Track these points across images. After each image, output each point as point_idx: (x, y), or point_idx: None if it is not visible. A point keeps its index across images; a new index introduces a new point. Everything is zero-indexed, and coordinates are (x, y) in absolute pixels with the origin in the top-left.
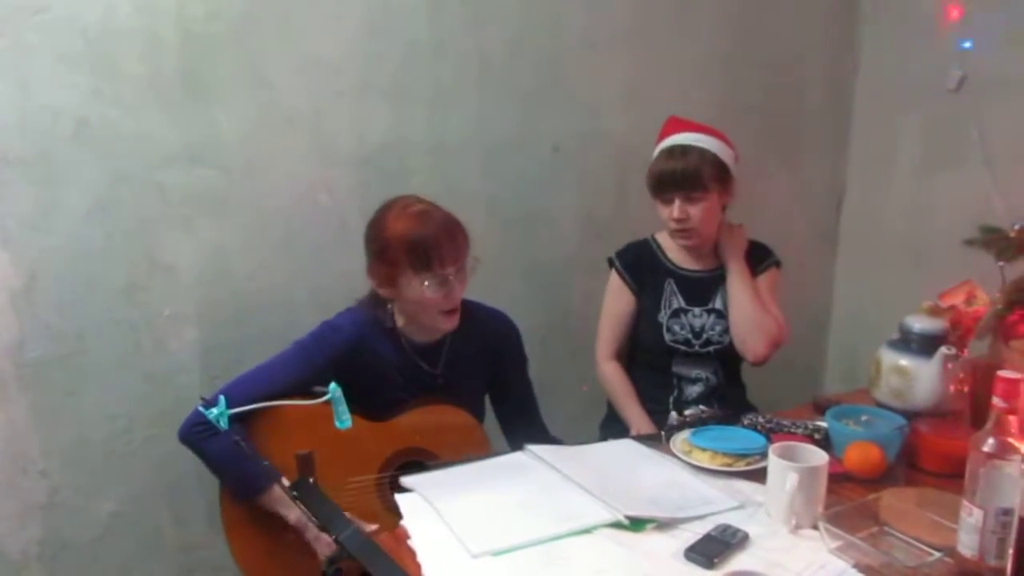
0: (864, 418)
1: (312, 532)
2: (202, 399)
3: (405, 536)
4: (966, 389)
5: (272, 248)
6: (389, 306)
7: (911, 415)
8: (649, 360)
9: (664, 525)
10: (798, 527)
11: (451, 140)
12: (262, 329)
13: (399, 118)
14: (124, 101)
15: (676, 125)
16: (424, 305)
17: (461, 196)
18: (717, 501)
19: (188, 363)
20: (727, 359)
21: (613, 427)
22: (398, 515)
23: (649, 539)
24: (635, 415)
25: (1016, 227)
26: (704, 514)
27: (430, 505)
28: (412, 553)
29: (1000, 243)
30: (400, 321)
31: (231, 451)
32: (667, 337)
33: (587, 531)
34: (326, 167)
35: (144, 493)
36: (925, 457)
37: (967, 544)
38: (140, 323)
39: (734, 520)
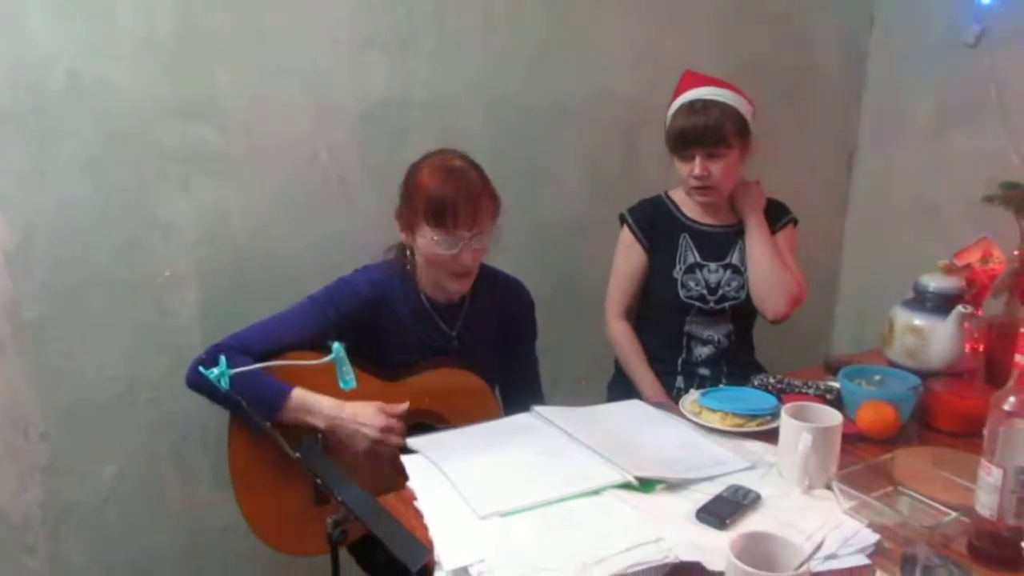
0: (877, 378)
1: (345, 429)
2: (215, 346)
3: (411, 498)
4: (981, 348)
5: (272, 206)
6: (408, 253)
7: (925, 375)
8: (660, 318)
9: (674, 486)
10: (811, 487)
11: (453, 96)
12: (263, 289)
13: (400, 73)
14: (119, 55)
15: (693, 79)
16: (432, 260)
17: (462, 149)
18: (728, 462)
19: (189, 323)
20: (741, 316)
21: (621, 388)
22: (405, 476)
23: (659, 500)
24: (643, 376)
25: None
26: (715, 475)
27: (436, 467)
28: (419, 514)
29: (1020, 199)
30: (420, 275)
31: (243, 377)
32: (682, 293)
33: (596, 492)
34: (326, 123)
35: (147, 454)
36: (939, 416)
37: (985, 504)
38: (139, 283)
39: (746, 481)
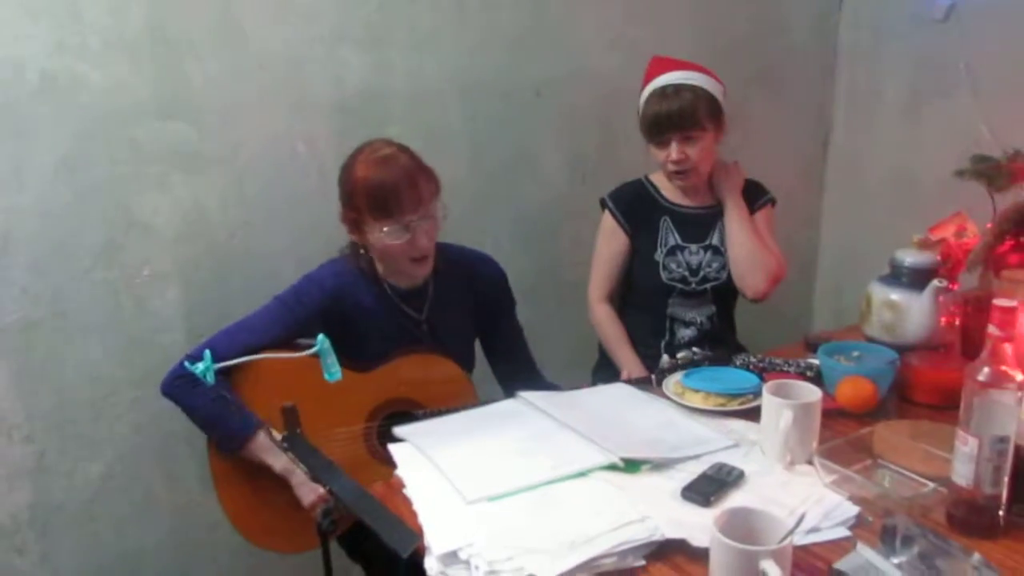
0: (855, 354)
1: (297, 479)
2: (187, 355)
3: (399, 485)
4: (957, 321)
5: (250, 202)
6: (362, 251)
7: (902, 349)
8: (643, 302)
9: (659, 466)
10: (793, 463)
11: (430, 86)
12: (245, 285)
13: (376, 65)
14: (90, 53)
15: (662, 65)
16: (388, 252)
17: (443, 143)
18: (711, 441)
19: (171, 322)
20: (723, 297)
21: (605, 372)
22: (386, 465)
23: (645, 480)
24: (627, 358)
25: (1009, 154)
26: (699, 454)
27: (423, 454)
28: (407, 502)
29: (991, 172)
30: (379, 266)
31: (214, 402)
32: (663, 275)
33: (582, 475)
34: (303, 117)
35: (133, 454)
36: (917, 389)
37: (962, 473)
38: (119, 283)
39: (729, 459)
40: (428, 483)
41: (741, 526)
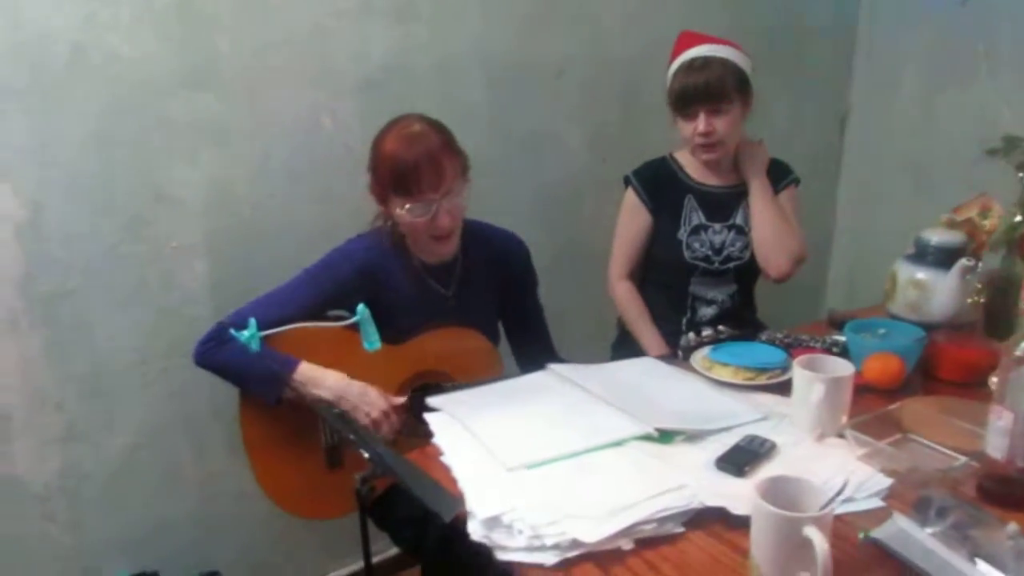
0: (881, 331)
1: (349, 402)
2: (219, 323)
3: (436, 453)
4: (981, 300)
5: (276, 175)
6: (388, 223)
7: (927, 327)
8: (664, 280)
9: (692, 437)
10: (823, 436)
11: (454, 61)
12: (271, 259)
13: (401, 39)
14: (120, 26)
15: (691, 39)
16: (410, 229)
17: (465, 118)
18: (742, 413)
19: (198, 295)
20: (745, 277)
21: (625, 349)
22: (415, 438)
23: (679, 450)
24: (649, 336)
25: None
26: (730, 426)
27: (460, 423)
28: (444, 468)
29: (1021, 153)
30: (408, 239)
31: (247, 355)
32: (686, 254)
33: (618, 444)
34: (328, 91)
35: (162, 425)
36: (942, 366)
37: (996, 446)
38: (148, 256)
39: (760, 431)
40: (466, 451)
41: (781, 494)
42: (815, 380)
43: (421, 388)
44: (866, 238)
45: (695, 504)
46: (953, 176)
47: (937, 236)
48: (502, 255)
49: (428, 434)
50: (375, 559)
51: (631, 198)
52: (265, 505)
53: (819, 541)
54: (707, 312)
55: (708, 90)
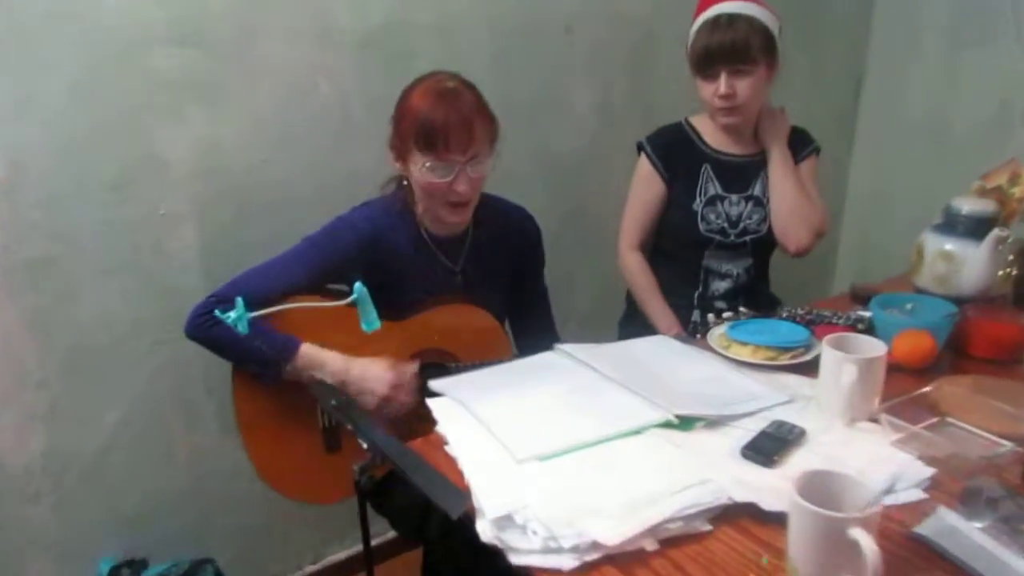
0: (909, 306)
1: (353, 387)
2: (212, 295)
3: (441, 442)
4: (1013, 272)
5: (269, 138)
6: (405, 183)
7: (956, 301)
8: (677, 252)
9: (714, 423)
10: (854, 420)
11: (458, 20)
12: (263, 226)
13: None
14: None
15: None
16: (427, 189)
17: (469, 77)
18: (765, 396)
19: (188, 264)
20: (761, 250)
21: (634, 324)
22: (420, 418)
23: (700, 438)
24: (659, 311)
25: None
26: (754, 410)
27: (466, 409)
28: (450, 459)
29: None
30: (419, 208)
31: (250, 327)
32: (702, 227)
33: (636, 432)
34: (325, 50)
35: (150, 399)
36: (974, 343)
37: None
38: (135, 221)
39: (785, 415)
40: (472, 440)
41: (820, 490)
42: (846, 361)
43: (424, 367)
44: (880, 206)
45: (723, 499)
46: (975, 139)
47: (968, 205)
48: (514, 233)
49: (432, 418)
50: (374, 541)
51: (644, 166)
52: (259, 486)
53: (867, 544)
54: (720, 286)
55: (732, 49)
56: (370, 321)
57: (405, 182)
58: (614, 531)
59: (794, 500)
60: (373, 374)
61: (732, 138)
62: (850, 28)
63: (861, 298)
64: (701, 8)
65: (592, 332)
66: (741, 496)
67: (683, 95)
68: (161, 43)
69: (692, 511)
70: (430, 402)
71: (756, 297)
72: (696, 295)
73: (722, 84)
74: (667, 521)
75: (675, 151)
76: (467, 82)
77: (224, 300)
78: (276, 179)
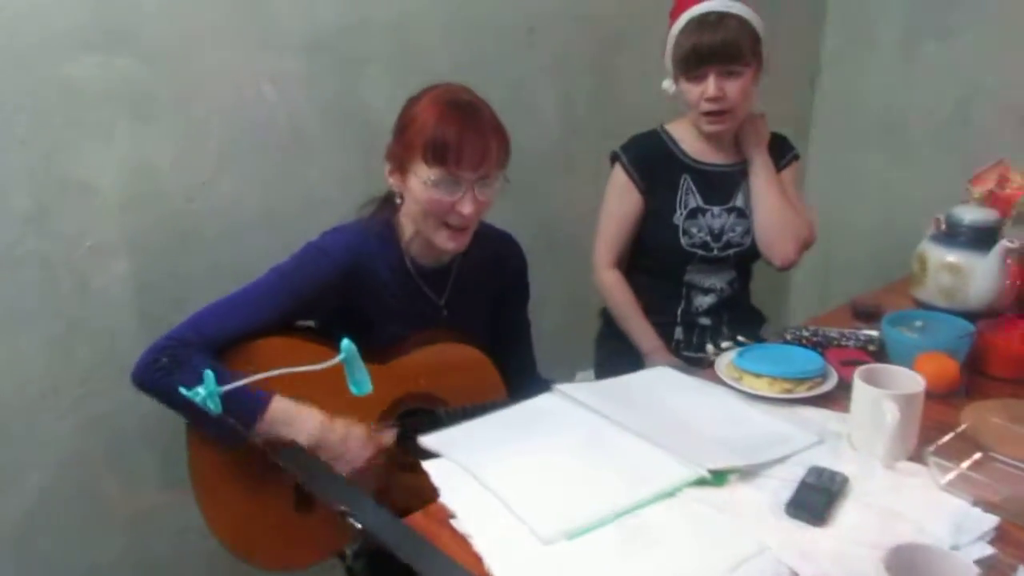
0: (918, 324)
1: (330, 450)
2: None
3: (446, 515)
4: (1019, 282)
5: (211, 157)
6: (399, 200)
7: (963, 316)
8: (657, 267)
9: (747, 473)
10: (894, 461)
11: (416, 20)
12: (207, 257)
13: None
14: None
15: None
16: (429, 207)
17: (426, 81)
18: (795, 438)
19: (119, 302)
20: (745, 262)
21: (612, 342)
22: (407, 470)
23: (736, 494)
24: (641, 329)
25: None
26: (785, 455)
27: (471, 475)
28: (458, 538)
29: None
30: (407, 231)
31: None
32: (684, 241)
33: (670, 494)
34: (271, 54)
35: (80, 459)
36: (994, 363)
37: None
38: (56, 257)
39: (818, 458)
40: (484, 515)
41: (909, 567)
42: (885, 399)
43: (410, 413)
44: (838, 203)
45: (785, 573)
46: (931, 137)
47: (970, 214)
48: (501, 262)
49: (416, 467)
50: None
51: (620, 177)
52: (212, 544)
53: None
54: (704, 301)
55: (724, 49)
56: (360, 383)
57: (399, 200)
58: None
59: None
60: (354, 443)
61: (712, 146)
62: (804, 22)
63: (864, 315)
64: (681, 6)
65: (564, 352)
66: (805, 570)
67: (650, 99)
68: (83, 51)
69: None
70: (427, 466)
71: (740, 311)
72: (679, 311)
73: (711, 86)
74: None
75: (653, 161)
76: (481, 98)
77: (185, 344)
78: (219, 201)
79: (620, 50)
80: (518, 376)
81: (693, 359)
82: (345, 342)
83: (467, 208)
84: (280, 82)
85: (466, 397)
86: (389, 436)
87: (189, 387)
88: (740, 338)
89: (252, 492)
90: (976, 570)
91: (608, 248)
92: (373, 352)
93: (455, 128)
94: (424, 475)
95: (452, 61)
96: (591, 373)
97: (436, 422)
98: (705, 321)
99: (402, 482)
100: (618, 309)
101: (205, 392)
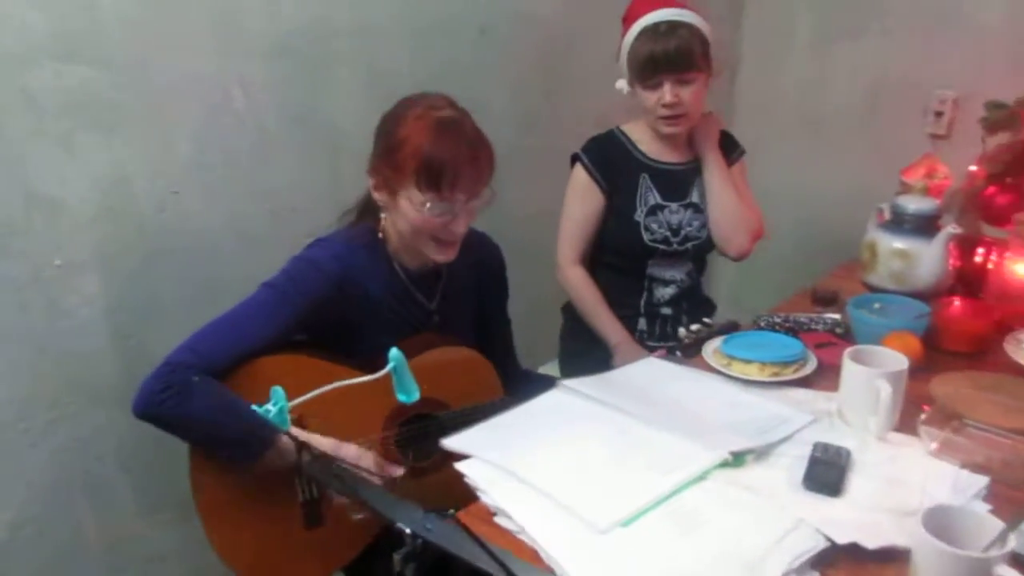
0: (877, 306)
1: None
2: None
3: (487, 514)
4: (959, 264)
5: (180, 166)
6: (382, 215)
7: (913, 297)
8: (620, 263)
9: (761, 454)
10: (884, 433)
11: (377, 21)
12: (180, 271)
13: None
14: None
15: (651, 2)
16: (417, 227)
17: (389, 84)
18: (793, 418)
19: (91, 323)
20: (701, 254)
21: (575, 337)
22: (414, 476)
23: (756, 474)
24: (608, 323)
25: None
26: (790, 433)
27: (506, 471)
28: (504, 533)
29: (1006, 118)
30: (392, 238)
31: (220, 407)
32: (646, 237)
33: (701, 479)
34: (237, 60)
35: (53, 488)
36: (948, 338)
37: None
38: (23, 278)
39: (817, 435)
40: (529, 510)
41: (944, 526)
42: (877, 377)
43: (409, 421)
44: (760, 195)
45: (822, 543)
46: (844, 130)
47: (914, 203)
48: (483, 262)
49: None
50: None
51: (582, 177)
52: (184, 567)
53: None
54: (665, 292)
55: (677, 57)
56: (409, 391)
57: (383, 214)
58: None
59: (932, 543)
60: (366, 466)
61: (668, 146)
62: (723, 17)
63: (823, 300)
64: (634, 14)
65: (529, 348)
66: (840, 537)
67: (599, 98)
68: (43, 59)
69: (799, 561)
70: (460, 467)
71: (696, 300)
72: (642, 303)
73: (667, 93)
74: None
75: (612, 162)
76: (462, 109)
77: (188, 368)
78: (190, 213)
79: (569, 49)
80: (504, 370)
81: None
82: (393, 351)
83: (460, 227)
84: (248, 89)
85: (467, 399)
86: (398, 470)
87: (206, 409)
88: (707, 320)
89: (261, 513)
90: (1000, 523)
91: (572, 246)
92: (367, 362)
93: (447, 152)
94: (429, 480)
95: (408, 62)
96: (555, 365)
97: (441, 427)
98: (667, 311)
99: (406, 488)
100: (585, 305)
101: (276, 407)
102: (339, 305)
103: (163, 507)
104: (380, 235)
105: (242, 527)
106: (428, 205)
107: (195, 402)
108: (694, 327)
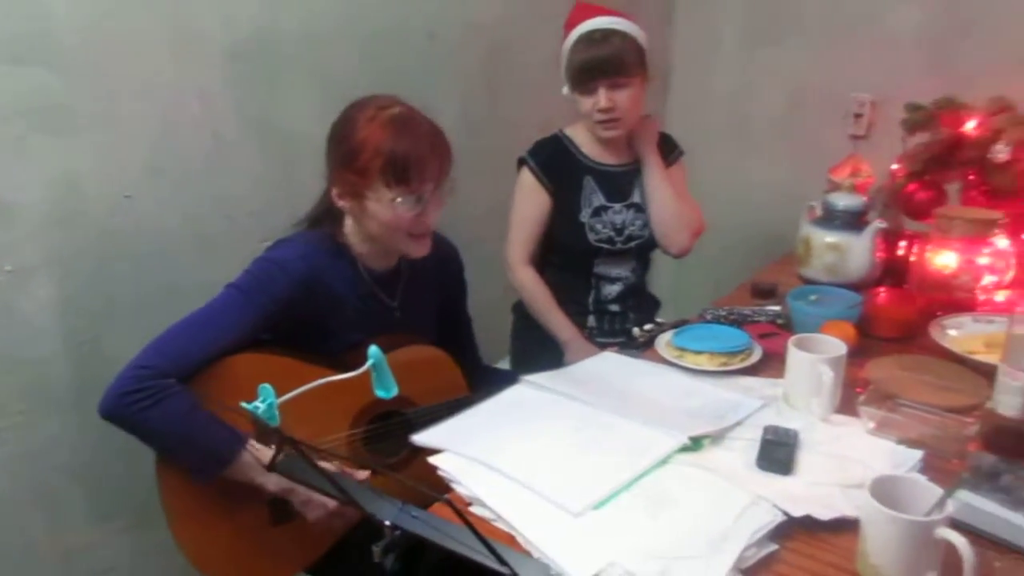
0: (813, 297)
1: (300, 496)
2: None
3: (462, 503)
4: (884, 256)
5: (133, 169)
6: (347, 220)
7: (845, 288)
8: (567, 263)
9: (717, 438)
10: (827, 414)
11: (327, 27)
12: (133, 274)
13: (268, 2)
14: None
15: (588, 10)
16: (391, 226)
17: (342, 89)
18: (744, 403)
19: (45, 329)
20: (644, 252)
21: (526, 335)
22: (382, 474)
23: (713, 456)
24: (560, 322)
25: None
26: (742, 418)
27: (479, 463)
28: (478, 521)
29: (923, 119)
30: (355, 241)
31: (186, 416)
32: (591, 237)
33: (664, 462)
34: (190, 63)
35: (6, 497)
36: (879, 325)
37: (1011, 405)
38: None
39: (767, 419)
40: (503, 498)
41: (889, 494)
42: (820, 363)
43: (376, 419)
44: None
45: (779, 516)
46: (769, 132)
47: (844, 200)
48: (443, 261)
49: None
50: None
51: (528, 180)
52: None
53: (959, 540)
54: (612, 290)
55: (610, 64)
56: (388, 387)
57: (348, 220)
58: (707, 573)
59: (880, 510)
60: (316, 502)
61: (609, 149)
62: (655, 26)
63: (762, 293)
64: (572, 23)
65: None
66: (794, 510)
67: (539, 102)
68: None
69: (759, 535)
70: (434, 460)
71: (641, 297)
72: (590, 300)
73: (602, 98)
74: (745, 550)
75: (557, 164)
76: (412, 106)
77: (156, 371)
78: (144, 217)
79: (512, 55)
80: (467, 367)
81: (620, 342)
82: (373, 348)
83: (432, 217)
84: (202, 92)
85: (432, 396)
86: (362, 474)
87: (175, 416)
88: (659, 320)
89: (229, 515)
90: (939, 490)
91: (521, 247)
92: (334, 360)
93: (408, 145)
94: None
95: (359, 67)
96: (505, 364)
97: (409, 424)
98: (615, 308)
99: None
100: (535, 304)
101: (265, 404)
102: (306, 305)
103: (116, 515)
104: (341, 241)
105: (210, 526)
106: (399, 200)
107: (162, 409)
108: (647, 326)
